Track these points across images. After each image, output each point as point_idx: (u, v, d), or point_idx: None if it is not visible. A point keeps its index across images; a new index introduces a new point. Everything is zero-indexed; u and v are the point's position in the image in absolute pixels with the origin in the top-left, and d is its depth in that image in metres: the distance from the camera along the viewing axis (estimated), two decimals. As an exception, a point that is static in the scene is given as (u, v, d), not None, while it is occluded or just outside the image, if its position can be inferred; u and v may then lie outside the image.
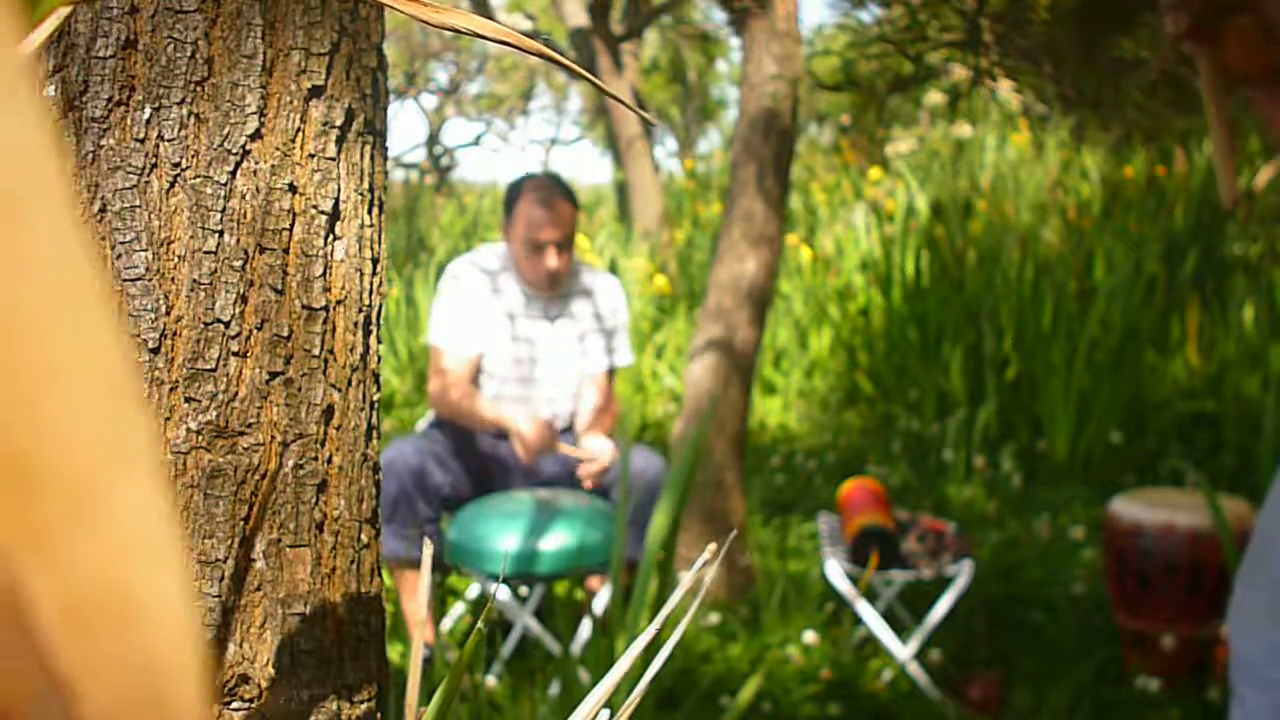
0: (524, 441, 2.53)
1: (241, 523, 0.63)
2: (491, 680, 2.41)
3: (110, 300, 0.14)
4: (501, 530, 2.32)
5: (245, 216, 0.63)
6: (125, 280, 0.61)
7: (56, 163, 0.14)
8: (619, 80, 6.91)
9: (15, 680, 0.12)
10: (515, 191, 2.67)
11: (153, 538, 0.13)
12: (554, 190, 2.64)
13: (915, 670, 2.39)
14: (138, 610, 0.13)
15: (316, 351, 0.65)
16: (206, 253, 0.62)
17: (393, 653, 2.44)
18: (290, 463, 0.64)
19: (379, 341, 0.70)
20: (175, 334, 0.62)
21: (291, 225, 0.64)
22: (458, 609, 2.76)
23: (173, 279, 0.62)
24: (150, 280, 0.61)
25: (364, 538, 0.69)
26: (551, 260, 2.61)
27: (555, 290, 2.68)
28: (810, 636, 2.58)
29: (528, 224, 2.60)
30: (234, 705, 0.63)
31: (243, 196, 0.63)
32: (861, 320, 4.93)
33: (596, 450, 2.61)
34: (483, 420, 2.58)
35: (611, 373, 2.81)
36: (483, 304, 2.66)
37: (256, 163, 0.63)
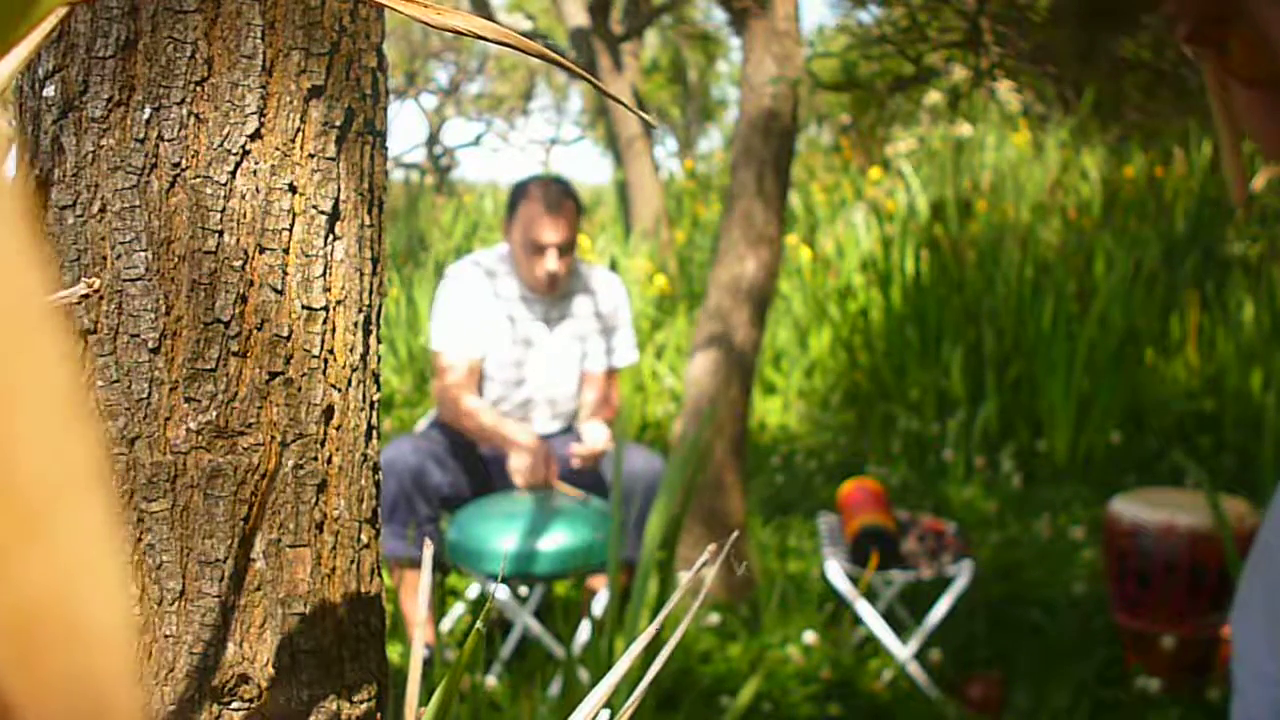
0: (520, 471, 2.51)
1: (241, 523, 0.63)
2: (491, 680, 2.41)
3: (57, 318, 0.14)
4: (501, 530, 2.32)
5: (245, 216, 0.63)
6: (125, 280, 0.62)
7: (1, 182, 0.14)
8: (619, 80, 6.91)
9: None
10: (519, 192, 2.65)
11: (97, 558, 0.13)
12: (558, 192, 2.61)
13: (915, 670, 2.39)
14: (80, 631, 0.13)
15: (316, 351, 0.65)
16: (206, 253, 0.62)
17: (393, 653, 2.44)
18: (290, 463, 0.64)
19: (379, 341, 0.70)
20: (175, 334, 0.62)
21: (291, 225, 0.64)
22: (458, 609, 2.76)
23: (173, 279, 0.62)
24: (150, 280, 0.61)
25: (364, 538, 0.69)
26: (551, 263, 2.60)
27: (555, 292, 2.67)
28: (810, 637, 2.58)
29: (529, 226, 2.59)
30: (234, 705, 0.63)
31: (243, 196, 0.63)
32: (861, 320, 4.93)
33: (593, 436, 2.60)
34: (484, 431, 2.57)
35: (614, 372, 2.81)
36: (482, 306, 2.65)
37: (256, 163, 0.63)
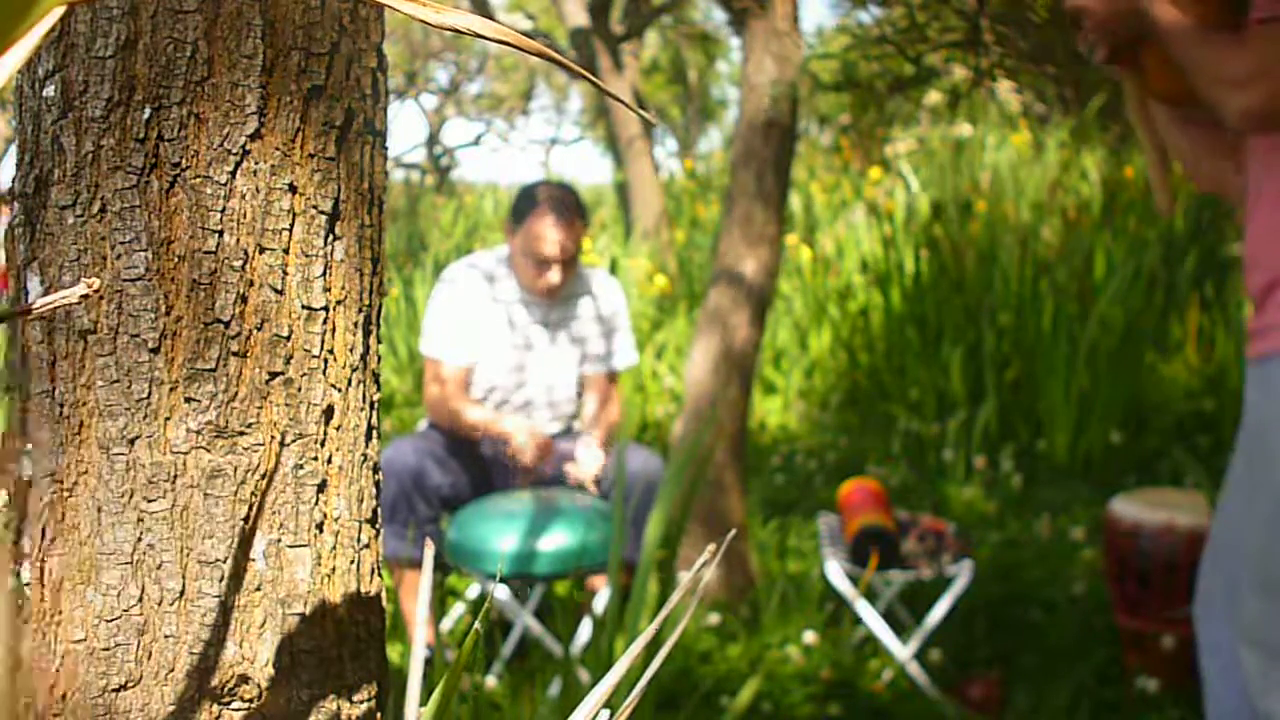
0: (521, 457, 2.53)
1: (241, 523, 0.63)
2: (491, 680, 2.41)
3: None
4: (501, 530, 2.32)
5: (245, 216, 0.63)
6: (125, 280, 0.61)
7: None
8: (619, 80, 6.91)
9: None
10: (528, 199, 2.62)
11: None
12: (568, 207, 2.60)
13: (915, 670, 2.39)
14: None
15: (316, 351, 0.65)
16: (206, 253, 0.62)
17: (393, 653, 2.44)
18: (290, 463, 0.64)
19: (379, 341, 0.70)
20: (175, 334, 0.62)
21: (291, 225, 0.64)
22: (458, 609, 2.76)
23: (173, 279, 0.62)
24: (150, 280, 0.61)
25: (364, 538, 0.69)
26: (554, 276, 2.60)
27: (554, 296, 2.68)
28: (810, 637, 2.58)
29: (536, 238, 2.57)
30: (234, 705, 0.63)
31: (243, 196, 0.63)
32: (861, 320, 4.93)
33: (586, 459, 2.60)
34: (480, 431, 2.58)
35: (613, 375, 2.81)
36: (479, 309, 2.65)
37: (256, 163, 0.63)
